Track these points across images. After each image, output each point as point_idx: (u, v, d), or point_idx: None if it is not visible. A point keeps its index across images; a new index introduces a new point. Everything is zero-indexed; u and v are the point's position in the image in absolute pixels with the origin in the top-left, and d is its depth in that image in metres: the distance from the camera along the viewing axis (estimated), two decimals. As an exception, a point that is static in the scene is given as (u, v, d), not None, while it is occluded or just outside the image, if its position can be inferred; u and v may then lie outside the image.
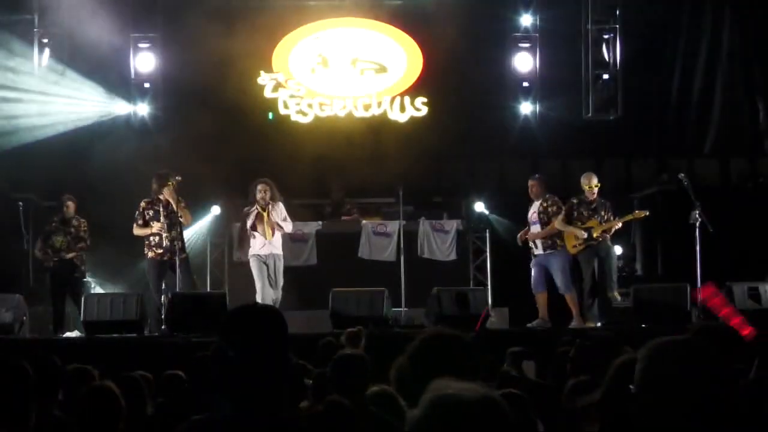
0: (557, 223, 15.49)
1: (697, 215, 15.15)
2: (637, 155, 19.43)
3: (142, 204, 15.22)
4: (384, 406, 6.32)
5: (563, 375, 7.19)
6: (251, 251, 15.30)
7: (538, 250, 15.49)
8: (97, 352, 11.62)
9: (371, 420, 5.96)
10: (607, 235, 15.38)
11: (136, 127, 18.89)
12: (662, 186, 17.70)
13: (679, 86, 19.53)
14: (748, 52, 19.24)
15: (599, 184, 15.54)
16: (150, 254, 15.11)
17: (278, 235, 15.35)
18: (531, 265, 15.57)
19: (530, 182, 15.71)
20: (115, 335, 13.75)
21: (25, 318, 14.49)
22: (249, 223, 15.19)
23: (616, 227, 15.37)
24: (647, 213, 15.46)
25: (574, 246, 15.50)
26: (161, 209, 15.02)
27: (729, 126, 19.42)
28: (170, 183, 15.06)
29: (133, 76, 18.79)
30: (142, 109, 18.96)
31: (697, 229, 15.12)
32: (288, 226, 15.38)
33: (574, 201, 15.58)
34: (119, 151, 17.58)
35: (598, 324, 14.68)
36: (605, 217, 15.38)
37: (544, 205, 15.56)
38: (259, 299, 14.35)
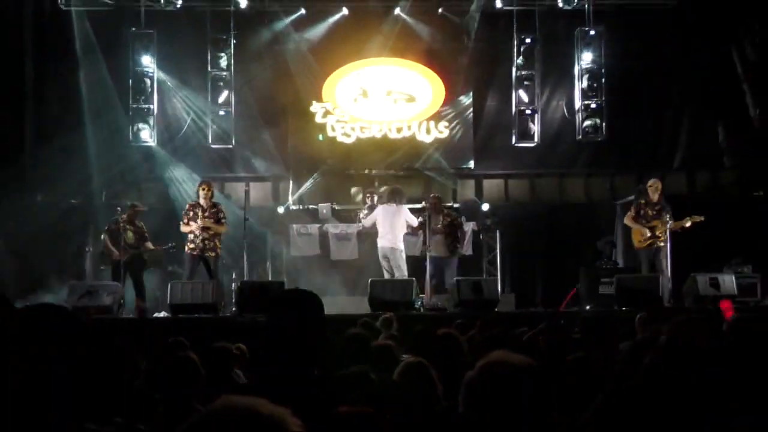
0: (626, 220, 15.55)
1: (668, 218, 15.11)
2: (620, 170, 19.35)
3: (187, 206, 15.33)
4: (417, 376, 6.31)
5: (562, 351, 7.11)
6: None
7: (434, 253, 15.54)
8: (182, 329, 11.70)
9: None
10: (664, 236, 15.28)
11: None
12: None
13: (654, 112, 19.44)
14: (711, 83, 19.12)
15: (656, 187, 15.40)
16: (186, 249, 15.23)
17: (394, 230, 15.53)
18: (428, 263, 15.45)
19: (433, 200, 15.85)
20: (195, 315, 13.81)
21: (122, 301, 14.58)
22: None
23: (685, 226, 15.16)
24: (702, 218, 15.09)
25: (640, 242, 15.43)
26: (200, 212, 15.15)
27: (695, 145, 19.30)
28: (201, 189, 15.21)
29: (210, 106, 18.75)
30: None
31: (668, 231, 15.09)
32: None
33: (642, 202, 15.48)
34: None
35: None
36: (666, 219, 15.19)
37: (448, 219, 15.82)
38: None
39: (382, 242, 15.68)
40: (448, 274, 15.70)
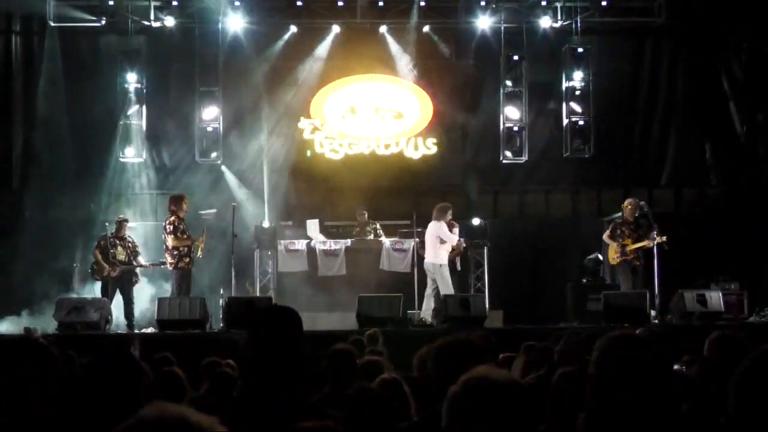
0: (604, 236, 15.80)
1: (654, 235, 15.22)
2: (607, 187, 19.44)
3: (175, 218, 15.32)
4: (391, 392, 6.37)
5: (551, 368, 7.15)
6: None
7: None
8: (169, 345, 11.73)
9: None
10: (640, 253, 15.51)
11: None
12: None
13: (641, 129, 19.57)
14: (698, 100, 19.25)
15: (627, 206, 15.65)
16: (181, 264, 15.27)
17: (434, 246, 15.69)
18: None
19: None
20: (183, 331, 13.82)
21: (110, 317, 14.59)
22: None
23: (648, 246, 15.38)
24: (665, 238, 15.23)
25: (613, 258, 15.68)
26: (185, 226, 15.28)
27: (682, 161, 19.43)
28: (185, 202, 15.46)
29: (198, 122, 18.79)
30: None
31: (655, 247, 15.19)
32: None
33: (618, 221, 15.75)
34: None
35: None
36: (637, 237, 15.47)
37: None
38: None
39: (425, 258, 15.93)
40: (442, 284, 15.68)
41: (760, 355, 2.24)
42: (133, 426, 1.86)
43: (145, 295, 16.40)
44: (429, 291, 15.67)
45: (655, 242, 15.19)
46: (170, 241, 15.17)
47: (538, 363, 7.14)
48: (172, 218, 15.26)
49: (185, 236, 15.27)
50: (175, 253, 15.22)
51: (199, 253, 15.43)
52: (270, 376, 3.58)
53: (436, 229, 15.73)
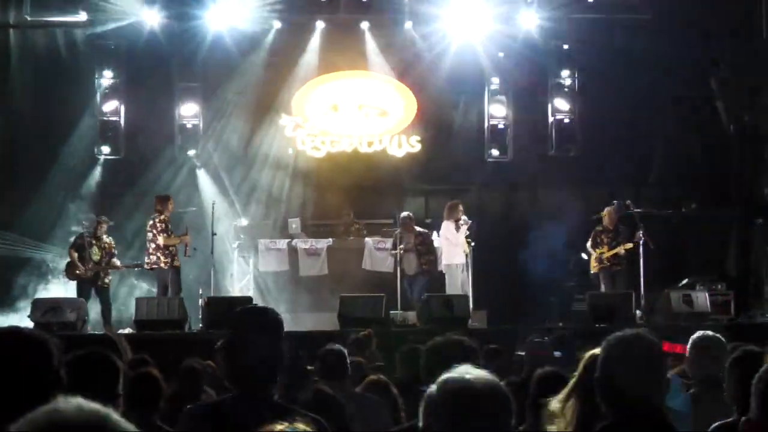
0: (588, 246, 15.91)
1: (640, 234, 15.23)
2: (593, 185, 19.39)
3: (164, 217, 15.30)
4: (379, 393, 6.35)
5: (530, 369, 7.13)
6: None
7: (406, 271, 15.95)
8: (146, 346, 11.62)
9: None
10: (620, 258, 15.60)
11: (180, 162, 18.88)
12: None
13: (628, 127, 19.54)
14: (685, 98, 19.24)
15: (606, 214, 15.72)
16: (176, 263, 15.25)
17: (443, 246, 15.87)
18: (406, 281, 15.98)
19: (404, 219, 16.21)
20: (161, 331, 13.74)
21: (86, 318, 14.48)
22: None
23: (620, 254, 15.47)
24: (632, 245, 15.45)
25: (593, 266, 15.76)
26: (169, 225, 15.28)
27: (669, 160, 19.42)
28: (171, 202, 15.48)
29: (177, 118, 18.69)
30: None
31: (641, 246, 15.20)
32: None
33: (599, 229, 15.86)
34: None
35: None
36: (615, 244, 15.62)
37: (420, 237, 16.01)
38: None
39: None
40: (416, 292, 15.78)
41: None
42: (44, 419, 1.80)
43: (141, 294, 16.36)
44: None
45: (623, 249, 15.34)
46: (162, 239, 15.16)
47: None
48: (162, 217, 15.25)
49: (174, 235, 15.28)
50: (167, 251, 15.23)
51: (188, 252, 15.39)
52: (249, 377, 3.54)
53: (444, 229, 15.85)
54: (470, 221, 15.94)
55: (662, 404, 3.39)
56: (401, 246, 15.98)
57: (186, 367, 6.79)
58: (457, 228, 15.76)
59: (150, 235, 15.31)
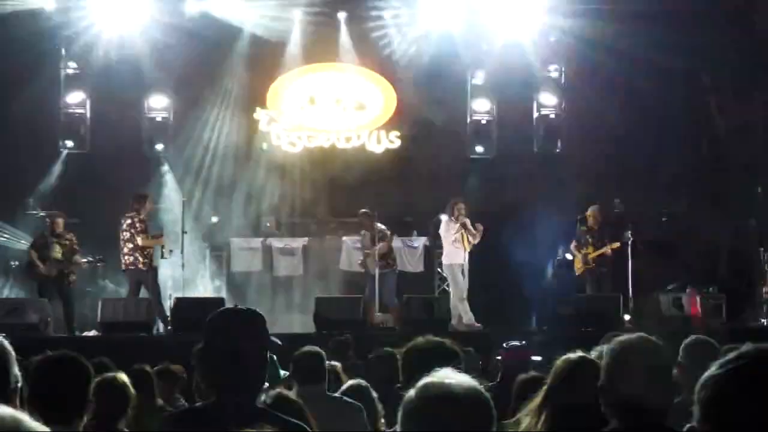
0: (571, 247, 15.89)
1: (628, 234, 15.26)
2: (579, 183, 19.36)
3: (143, 217, 15.20)
4: (358, 398, 6.29)
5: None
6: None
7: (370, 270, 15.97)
8: (112, 349, 11.53)
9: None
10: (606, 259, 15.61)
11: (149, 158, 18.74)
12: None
13: (616, 123, 19.53)
14: (677, 97, 19.26)
15: (591, 214, 15.73)
16: (154, 263, 15.17)
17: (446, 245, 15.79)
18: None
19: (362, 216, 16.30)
20: (127, 334, 13.65)
21: (49, 319, 14.35)
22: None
23: (606, 253, 15.46)
24: (618, 244, 15.48)
25: (578, 267, 15.76)
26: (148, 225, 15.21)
27: (658, 157, 19.41)
28: (149, 201, 15.44)
29: (146, 111, 18.55)
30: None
31: (629, 247, 15.21)
32: None
33: (583, 229, 15.89)
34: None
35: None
36: (601, 245, 15.62)
37: (380, 234, 16.04)
38: None
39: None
40: (384, 291, 15.68)
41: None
42: None
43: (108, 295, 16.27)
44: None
45: (610, 248, 15.36)
46: (141, 240, 15.06)
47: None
48: (141, 217, 15.17)
49: (150, 235, 15.19)
50: (145, 252, 15.16)
51: (165, 253, 15.32)
52: (231, 382, 3.49)
53: (442, 227, 15.69)
54: (466, 220, 15.72)
55: (670, 411, 3.37)
56: (379, 245, 15.89)
57: (137, 370, 6.71)
58: (451, 225, 15.64)
59: (127, 234, 15.17)
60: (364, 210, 16.39)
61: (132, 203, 15.41)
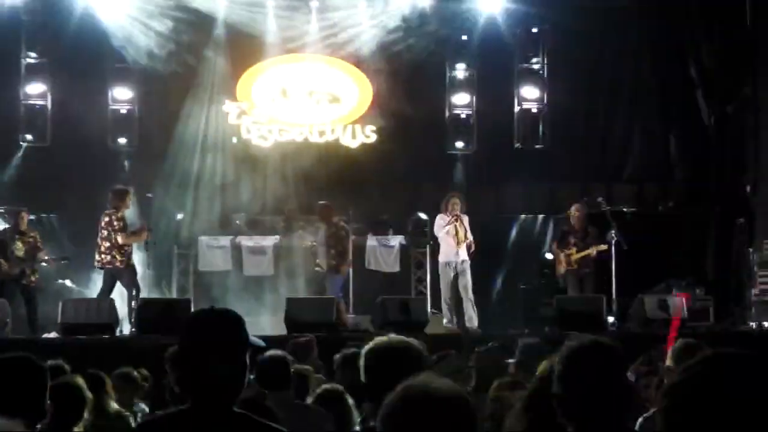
0: (553, 247, 15.88)
1: (613, 234, 15.26)
2: (563, 181, 19.39)
3: (121, 214, 15.08)
4: (333, 403, 6.24)
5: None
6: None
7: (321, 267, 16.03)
8: (73, 352, 11.43)
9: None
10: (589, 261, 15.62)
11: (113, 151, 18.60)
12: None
13: (601, 119, 19.57)
14: (664, 88, 19.30)
15: (573, 213, 15.73)
16: (131, 262, 15.07)
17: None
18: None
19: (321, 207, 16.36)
20: (89, 336, 13.55)
21: (8, 320, 14.23)
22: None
23: (592, 255, 15.46)
24: (605, 247, 15.46)
25: (561, 268, 15.79)
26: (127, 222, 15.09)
27: (645, 155, 19.47)
28: (129, 198, 15.27)
29: (110, 102, 18.41)
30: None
31: (613, 247, 15.22)
32: None
33: (565, 229, 15.87)
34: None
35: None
36: (584, 245, 15.61)
37: (334, 229, 15.99)
38: None
39: None
40: (329, 291, 15.61)
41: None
42: None
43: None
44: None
45: (596, 250, 15.36)
46: (121, 238, 14.93)
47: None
48: (120, 214, 15.06)
49: (130, 233, 15.07)
50: (124, 250, 15.03)
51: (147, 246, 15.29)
52: (208, 387, 3.44)
53: (435, 224, 15.69)
54: (460, 216, 15.58)
55: (626, 416, 3.35)
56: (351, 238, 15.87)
57: (91, 374, 6.65)
58: (443, 219, 15.55)
59: (105, 232, 15.01)
60: (323, 202, 16.36)
61: (111, 199, 15.21)
